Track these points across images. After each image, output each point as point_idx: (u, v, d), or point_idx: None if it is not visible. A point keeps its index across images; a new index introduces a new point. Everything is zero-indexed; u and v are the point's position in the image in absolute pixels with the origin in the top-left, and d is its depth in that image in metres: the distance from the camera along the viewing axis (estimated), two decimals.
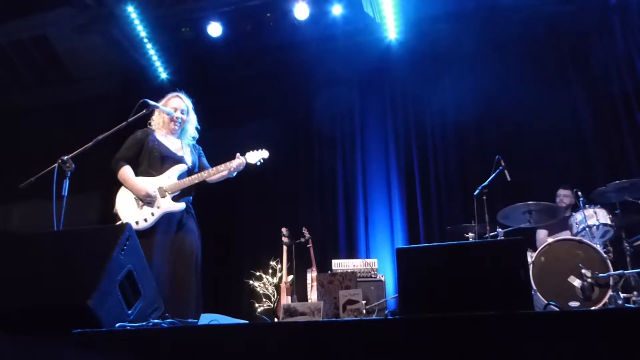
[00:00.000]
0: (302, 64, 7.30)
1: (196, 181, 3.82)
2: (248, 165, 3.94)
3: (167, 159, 3.86)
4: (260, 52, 7.38)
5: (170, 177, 3.81)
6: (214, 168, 3.89)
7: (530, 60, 6.60)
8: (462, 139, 6.77)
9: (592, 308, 4.20)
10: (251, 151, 3.97)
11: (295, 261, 5.70)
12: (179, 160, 3.89)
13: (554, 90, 6.43)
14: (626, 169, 5.77)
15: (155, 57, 7.57)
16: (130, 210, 3.73)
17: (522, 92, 6.43)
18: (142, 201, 3.73)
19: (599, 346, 1.79)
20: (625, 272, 4.42)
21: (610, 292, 4.28)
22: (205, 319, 2.69)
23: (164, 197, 3.75)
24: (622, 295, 4.36)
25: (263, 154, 3.98)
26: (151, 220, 3.68)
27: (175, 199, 3.79)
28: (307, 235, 5.82)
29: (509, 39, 6.64)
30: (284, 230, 5.79)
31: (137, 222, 3.63)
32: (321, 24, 6.96)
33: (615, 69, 6.41)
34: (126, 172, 3.80)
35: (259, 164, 3.96)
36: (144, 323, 2.52)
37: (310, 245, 5.79)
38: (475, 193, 5.08)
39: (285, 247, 5.71)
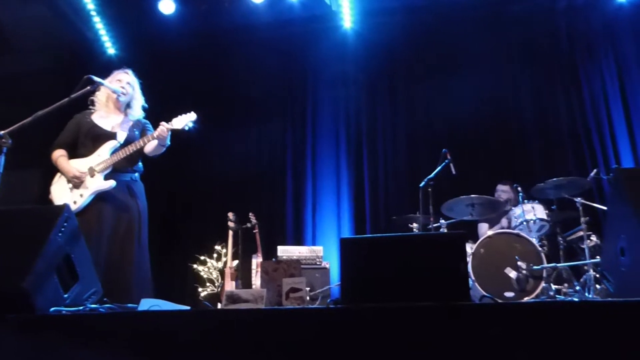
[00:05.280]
0: (256, 47, 7.20)
1: (124, 155, 3.67)
2: (177, 131, 3.77)
3: (99, 138, 3.74)
4: (214, 32, 7.24)
5: (101, 155, 3.70)
6: (142, 139, 3.74)
7: (479, 55, 6.73)
8: (411, 131, 6.88)
9: (525, 299, 4.39)
10: (178, 116, 3.79)
11: (241, 246, 5.66)
12: (112, 136, 3.76)
13: (500, 86, 6.61)
14: (565, 167, 6.02)
15: (103, 32, 7.28)
16: (62, 195, 3.63)
17: (469, 87, 6.58)
18: (72, 183, 3.62)
19: (529, 336, 1.87)
20: (558, 265, 4.65)
21: (543, 284, 4.48)
22: (146, 304, 2.64)
23: (93, 176, 3.63)
24: (554, 287, 4.58)
25: (190, 117, 3.79)
26: (81, 202, 3.58)
27: (110, 176, 3.67)
28: (254, 220, 5.79)
29: (460, 33, 6.76)
30: (230, 214, 5.73)
31: None
32: (277, 9, 6.88)
33: (558, 69, 6.65)
34: (57, 156, 3.73)
35: (187, 128, 3.79)
36: (81, 307, 2.45)
37: (257, 230, 5.77)
38: (421, 185, 5.19)
39: (231, 232, 5.66)
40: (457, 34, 6.77)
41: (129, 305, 2.91)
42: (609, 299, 3.18)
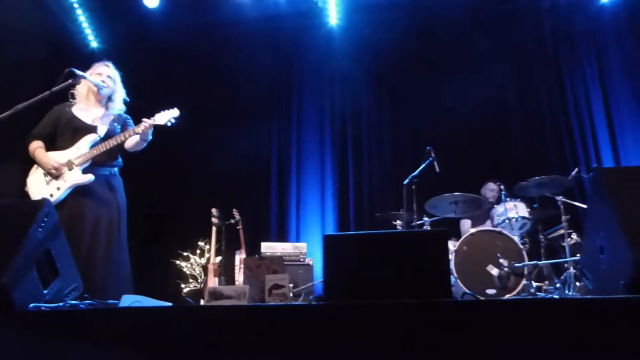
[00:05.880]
0: (241, 43, 7.16)
1: (104, 149, 3.62)
2: (159, 127, 3.72)
3: (79, 131, 3.69)
4: (199, 27, 7.15)
5: (80, 148, 3.65)
6: (122, 134, 3.69)
7: (464, 53, 6.78)
8: (397, 128, 6.91)
9: (506, 296, 4.43)
10: (161, 112, 3.75)
11: (225, 242, 5.64)
12: (92, 129, 3.71)
13: (485, 84, 6.64)
14: (547, 166, 6.09)
15: (85, 24, 7.18)
16: (39, 187, 3.57)
17: (454, 85, 6.62)
18: (49, 176, 3.58)
19: (509, 332, 1.89)
20: (539, 262, 4.71)
21: (524, 281, 4.53)
22: (127, 300, 2.62)
23: (71, 169, 3.58)
24: (534, 284, 4.64)
25: (173, 113, 3.75)
26: (57, 195, 3.53)
27: (89, 170, 3.62)
28: (238, 216, 5.77)
29: (446, 31, 6.79)
30: (214, 210, 5.70)
31: None
32: (263, 4, 6.86)
33: (542, 68, 6.72)
34: (35, 147, 3.67)
35: (169, 124, 3.73)
36: (61, 304, 2.42)
37: (240, 227, 5.75)
38: (405, 182, 5.21)
39: (214, 228, 5.63)
40: (443, 32, 6.80)
41: (110, 301, 2.88)
42: (589, 296, 3.22)
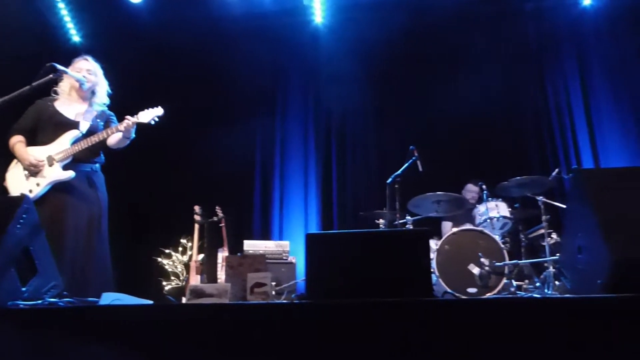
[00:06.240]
0: (226, 40, 7.11)
1: (86, 146, 3.59)
2: (143, 125, 3.69)
3: (61, 126, 3.64)
4: (183, 24, 7.09)
5: (62, 144, 3.60)
6: (105, 131, 3.66)
7: (449, 53, 6.82)
8: (381, 127, 6.93)
9: (487, 295, 4.48)
10: (144, 110, 3.72)
11: (207, 240, 5.61)
12: (74, 125, 3.66)
13: (469, 84, 6.69)
14: (529, 166, 6.16)
15: (67, 18, 7.09)
16: (18, 183, 3.53)
17: (439, 84, 6.67)
18: (28, 171, 3.53)
19: (489, 331, 1.92)
20: (519, 262, 4.76)
21: (505, 280, 4.58)
22: (107, 298, 2.60)
23: (51, 165, 3.54)
24: (515, 283, 4.69)
25: (157, 111, 3.72)
26: (37, 191, 3.48)
27: (70, 166, 3.57)
28: (221, 214, 5.75)
29: (431, 31, 6.83)
30: (196, 208, 5.67)
31: None
32: (249, 1, 6.84)
33: (525, 69, 6.79)
34: (15, 142, 3.62)
35: (153, 122, 3.71)
36: (39, 301, 2.40)
37: (223, 224, 5.73)
38: (388, 181, 5.23)
39: (197, 225, 5.61)
40: (428, 32, 6.83)
41: (90, 299, 2.85)
42: (567, 295, 3.27)
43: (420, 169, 5.10)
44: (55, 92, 3.79)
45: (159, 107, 3.75)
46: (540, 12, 6.86)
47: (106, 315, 2.12)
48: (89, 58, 3.90)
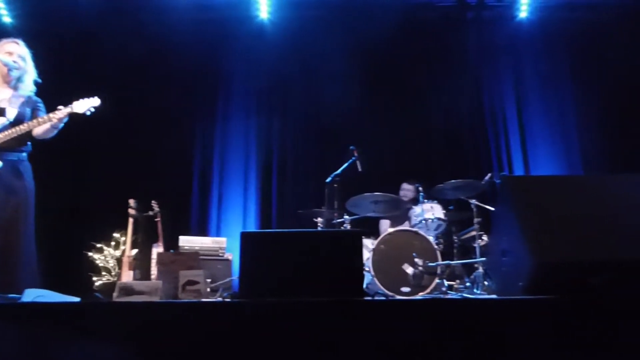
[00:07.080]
0: (168, 30, 6.89)
1: (14, 135, 3.41)
2: (78, 115, 3.54)
3: None
4: (124, 11, 6.87)
5: None
6: (35, 120, 3.49)
7: (390, 55, 6.92)
8: (321, 126, 6.95)
9: (420, 294, 4.60)
10: (80, 99, 3.55)
11: (142, 235, 5.47)
12: (0, 112, 3.48)
13: (409, 87, 6.84)
14: (464, 170, 6.35)
15: None
16: None
17: (379, 86, 6.77)
18: None
19: (417, 329, 1.97)
20: (451, 262, 4.93)
21: (437, 280, 4.72)
22: (30, 294, 2.49)
23: None
24: (446, 283, 4.84)
25: (93, 101, 3.57)
26: None
27: None
28: (157, 208, 5.62)
29: (375, 34, 6.89)
30: (131, 201, 5.51)
31: None
32: None
33: (465, 77, 7.01)
34: None
35: (89, 113, 3.56)
36: None
37: (159, 219, 5.61)
38: (327, 180, 5.27)
39: (131, 220, 5.45)
40: (371, 34, 6.86)
41: (11, 295, 2.72)
42: (492, 295, 3.40)
43: (360, 169, 5.17)
44: None
45: (96, 98, 3.60)
46: (479, 23, 7.10)
47: (26, 313, 2.03)
48: (20, 42, 3.69)
